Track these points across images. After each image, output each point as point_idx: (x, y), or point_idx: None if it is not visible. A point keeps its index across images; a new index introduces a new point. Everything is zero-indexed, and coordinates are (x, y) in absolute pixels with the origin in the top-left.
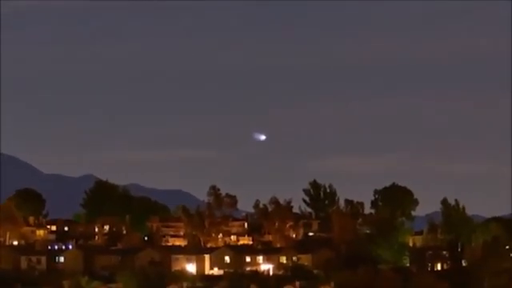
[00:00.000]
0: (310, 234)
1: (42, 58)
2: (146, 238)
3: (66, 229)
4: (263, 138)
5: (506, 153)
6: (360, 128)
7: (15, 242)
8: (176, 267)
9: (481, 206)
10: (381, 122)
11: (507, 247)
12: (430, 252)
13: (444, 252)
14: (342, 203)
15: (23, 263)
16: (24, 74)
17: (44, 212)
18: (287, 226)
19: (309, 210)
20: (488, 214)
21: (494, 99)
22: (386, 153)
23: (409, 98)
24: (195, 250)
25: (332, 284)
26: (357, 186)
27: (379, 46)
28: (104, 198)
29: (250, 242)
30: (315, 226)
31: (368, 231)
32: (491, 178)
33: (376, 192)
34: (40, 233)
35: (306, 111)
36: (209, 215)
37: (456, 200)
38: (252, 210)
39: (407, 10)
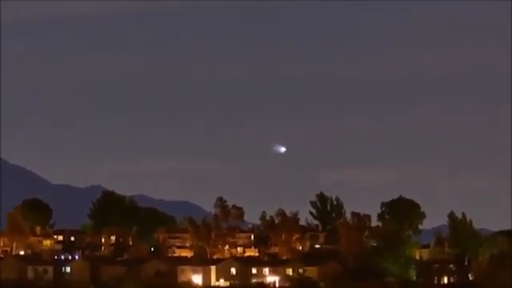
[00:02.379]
0: (317, 246)
1: (47, 67)
2: (152, 249)
3: (72, 239)
4: (283, 150)
5: None
6: (367, 141)
7: (22, 252)
8: (182, 278)
9: (488, 219)
10: (388, 135)
11: None
12: (437, 265)
13: (451, 265)
14: (348, 216)
15: (30, 273)
16: (32, 86)
17: (51, 222)
18: (294, 238)
19: (315, 222)
20: (495, 228)
21: (504, 114)
22: (393, 166)
23: (417, 112)
24: (201, 262)
25: None
26: (364, 199)
27: (392, 59)
28: (111, 208)
29: (257, 254)
30: (322, 238)
31: (375, 244)
32: (499, 191)
33: (383, 205)
34: (47, 243)
35: (314, 124)
36: (215, 227)
37: (463, 213)
38: (259, 222)
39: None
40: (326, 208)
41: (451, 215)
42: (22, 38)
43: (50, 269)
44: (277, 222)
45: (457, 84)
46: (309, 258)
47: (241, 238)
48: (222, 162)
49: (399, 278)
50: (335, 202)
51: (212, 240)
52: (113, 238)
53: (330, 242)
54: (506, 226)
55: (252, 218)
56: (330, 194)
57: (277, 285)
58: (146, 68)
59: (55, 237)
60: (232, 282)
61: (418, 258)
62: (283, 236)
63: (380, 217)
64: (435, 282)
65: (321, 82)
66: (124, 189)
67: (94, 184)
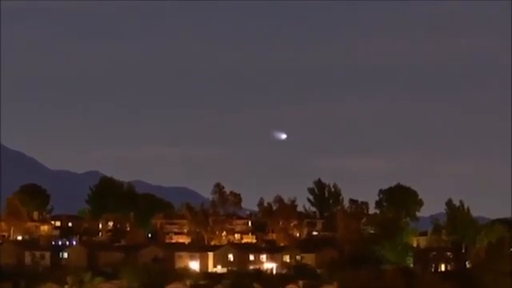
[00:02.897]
0: (314, 233)
1: (47, 54)
2: (149, 235)
3: (70, 225)
4: (284, 136)
5: None
6: (366, 128)
7: (19, 237)
8: (179, 264)
9: (486, 207)
10: (386, 122)
11: None
12: (434, 253)
13: (448, 253)
14: (346, 203)
15: (27, 258)
16: (30, 71)
17: (48, 207)
18: (291, 224)
19: (313, 209)
20: (493, 216)
21: (503, 99)
22: (392, 153)
23: (416, 100)
24: (199, 248)
25: (335, 284)
26: (361, 186)
27: (391, 47)
28: (109, 194)
29: (254, 241)
30: (319, 225)
31: (372, 231)
32: (496, 179)
33: (381, 192)
34: (44, 228)
35: (313, 111)
36: (213, 213)
37: (461, 201)
38: (256, 209)
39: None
40: (324, 195)
41: (449, 203)
42: (23, 24)
43: (47, 254)
44: (274, 208)
45: (455, 72)
46: (306, 245)
47: (238, 225)
48: (220, 148)
49: (396, 265)
50: (333, 189)
51: (209, 226)
52: (110, 223)
53: (327, 229)
54: (503, 214)
55: (250, 204)
56: (328, 181)
57: (274, 271)
58: (145, 54)
59: (53, 222)
60: (229, 268)
61: (415, 245)
62: (281, 223)
63: (378, 204)
64: (432, 269)
65: (321, 68)
66: (122, 174)
67: (92, 170)
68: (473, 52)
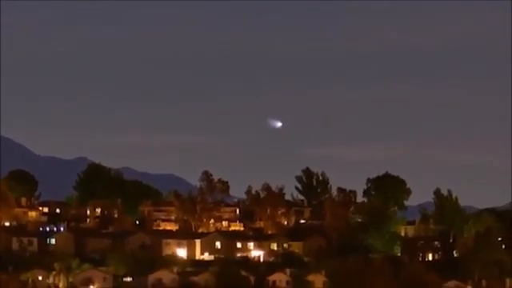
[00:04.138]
0: (302, 221)
1: (39, 40)
2: (137, 222)
3: (57, 211)
4: (279, 124)
5: (500, 145)
6: (354, 117)
7: (7, 223)
8: (167, 252)
9: (474, 197)
10: (375, 110)
11: (499, 238)
12: (422, 242)
13: (436, 242)
14: (334, 191)
15: (15, 244)
16: (20, 57)
17: (36, 194)
18: (279, 212)
19: (301, 197)
20: (481, 205)
21: (492, 90)
22: (380, 142)
23: (405, 88)
24: (186, 235)
25: (323, 272)
26: (350, 175)
27: (379, 34)
28: (96, 181)
29: (242, 228)
30: (307, 213)
31: (360, 220)
32: (485, 169)
33: (369, 181)
34: (32, 214)
35: (301, 99)
36: (201, 200)
37: (449, 190)
38: (244, 196)
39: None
40: (312, 183)
41: (437, 192)
42: (11, 12)
43: (35, 240)
44: (262, 196)
45: (444, 60)
46: (294, 233)
47: (226, 212)
48: (208, 135)
49: (384, 254)
50: (321, 178)
51: (197, 214)
52: (98, 210)
53: (315, 217)
54: (491, 204)
55: (237, 192)
56: (316, 169)
57: (261, 259)
58: (135, 42)
59: (40, 208)
60: (216, 255)
61: (403, 234)
62: (268, 211)
63: (366, 193)
64: (420, 258)
65: (309, 57)
66: (110, 161)
67: (80, 156)
68: (472, 40)
